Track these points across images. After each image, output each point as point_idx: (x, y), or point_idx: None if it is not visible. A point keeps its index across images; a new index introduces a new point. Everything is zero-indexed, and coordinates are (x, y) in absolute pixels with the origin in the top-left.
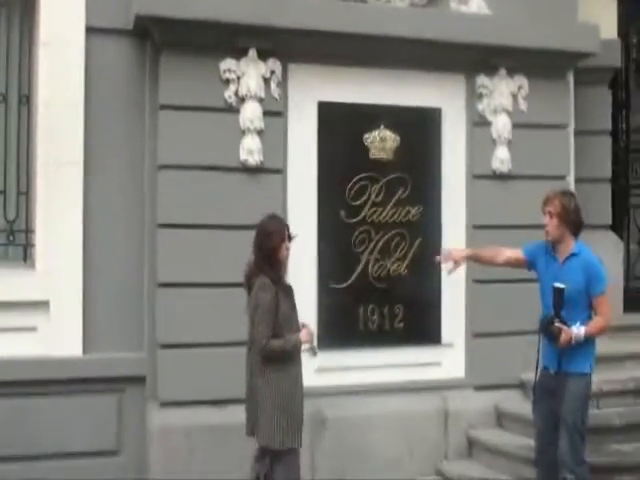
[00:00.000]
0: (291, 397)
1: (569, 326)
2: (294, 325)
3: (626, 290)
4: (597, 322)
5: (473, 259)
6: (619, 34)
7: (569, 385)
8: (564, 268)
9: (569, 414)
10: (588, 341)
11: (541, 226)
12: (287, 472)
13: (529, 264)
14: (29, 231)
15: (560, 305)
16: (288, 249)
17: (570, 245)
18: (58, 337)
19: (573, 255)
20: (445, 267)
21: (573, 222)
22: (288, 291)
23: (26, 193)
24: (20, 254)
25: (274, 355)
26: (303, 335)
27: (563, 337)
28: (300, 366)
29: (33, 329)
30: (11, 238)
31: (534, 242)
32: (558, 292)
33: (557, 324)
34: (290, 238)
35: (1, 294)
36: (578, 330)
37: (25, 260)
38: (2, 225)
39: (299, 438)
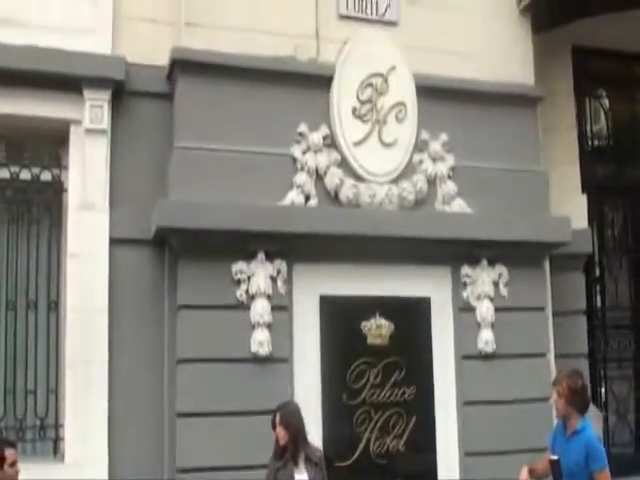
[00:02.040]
0: None
1: None
2: None
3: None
4: None
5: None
6: (589, 223)
7: None
8: (569, 443)
9: None
10: None
11: (525, 400)
12: None
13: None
14: (58, 426)
15: (559, 475)
16: (279, 434)
17: (576, 422)
18: None
19: (576, 432)
20: None
21: (578, 402)
22: (291, 466)
23: (55, 390)
24: (50, 448)
25: None
26: None
27: None
28: None
29: None
30: (42, 434)
31: (554, 429)
32: (554, 463)
33: None
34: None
35: None
36: None
37: (55, 454)
38: (32, 422)
39: None
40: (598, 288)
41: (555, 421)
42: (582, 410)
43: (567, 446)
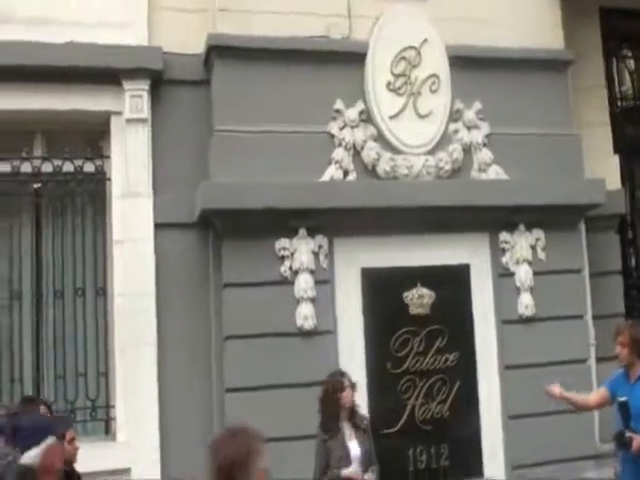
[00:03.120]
0: None
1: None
2: (344, 463)
3: None
4: None
5: (567, 401)
6: (622, 183)
7: None
8: (634, 388)
9: None
10: None
11: (565, 362)
12: None
13: (613, 397)
14: (109, 406)
15: (627, 417)
16: (346, 396)
17: (639, 369)
18: None
19: None
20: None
21: None
22: (343, 434)
23: (105, 373)
24: (101, 428)
25: None
26: (347, 471)
27: (635, 445)
28: None
29: None
30: (93, 414)
31: (612, 375)
32: (623, 405)
33: (628, 434)
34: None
35: (87, 466)
36: None
37: (106, 433)
38: (83, 403)
39: None
40: (632, 248)
41: (594, 378)
42: None
43: (632, 391)
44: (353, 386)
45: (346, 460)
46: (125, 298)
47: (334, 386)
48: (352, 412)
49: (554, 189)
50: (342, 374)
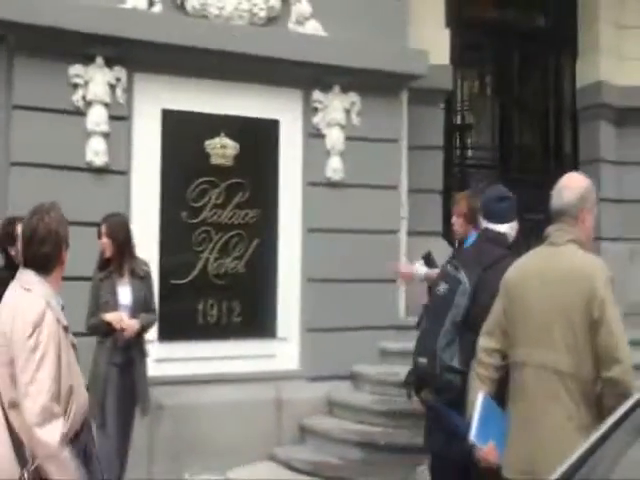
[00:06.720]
0: (93, 374)
1: None
2: (111, 308)
3: None
4: None
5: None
6: (451, 60)
7: None
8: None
9: None
10: None
11: (373, 231)
12: None
13: None
14: None
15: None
16: (104, 245)
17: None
18: None
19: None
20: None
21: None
22: (115, 278)
23: None
24: None
25: (90, 331)
26: (108, 316)
27: None
28: (112, 349)
29: None
30: None
31: None
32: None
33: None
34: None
35: None
36: None
37: None
38: None
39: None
40: (459, 126)
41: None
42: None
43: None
44: (112, 235)
45: (113, 305)
46: None
47: (98, 231)
48: (129, 257)
49: (374, 53)
50: (103, 221)
